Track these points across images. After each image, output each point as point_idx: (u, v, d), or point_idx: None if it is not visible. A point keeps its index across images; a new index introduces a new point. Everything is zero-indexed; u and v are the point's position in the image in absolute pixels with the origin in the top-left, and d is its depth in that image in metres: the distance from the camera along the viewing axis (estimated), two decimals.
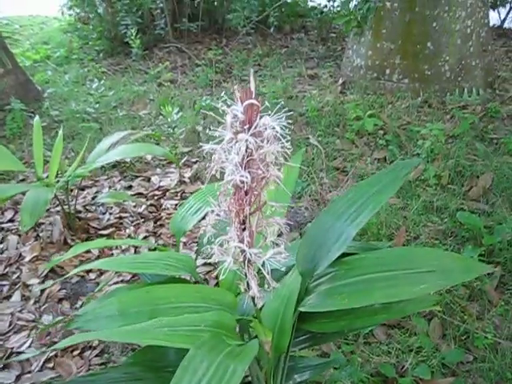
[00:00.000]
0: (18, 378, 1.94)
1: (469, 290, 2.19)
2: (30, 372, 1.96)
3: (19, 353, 2.04)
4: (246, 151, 1.00)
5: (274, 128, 1.00)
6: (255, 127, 1.00)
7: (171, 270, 1.42)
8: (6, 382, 1.90)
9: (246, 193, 1.04)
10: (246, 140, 0.99)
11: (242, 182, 1.01)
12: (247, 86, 1.01)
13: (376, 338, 2.02)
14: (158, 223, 2.87)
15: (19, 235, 2.74)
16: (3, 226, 2.85)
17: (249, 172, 1.01)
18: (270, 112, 1.00)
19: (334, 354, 1.89)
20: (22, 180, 3.31)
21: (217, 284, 2.27)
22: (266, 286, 1.10)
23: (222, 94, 1.08)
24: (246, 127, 0.99)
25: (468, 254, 2.33)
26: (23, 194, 2.49)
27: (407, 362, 1.88)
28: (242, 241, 1.06)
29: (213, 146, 1.03)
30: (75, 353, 2.03)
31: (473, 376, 1.84)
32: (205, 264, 2.44)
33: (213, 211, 1.11)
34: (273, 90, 4.30)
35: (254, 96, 1.00)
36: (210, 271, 2.41)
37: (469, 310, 2.10)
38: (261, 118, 1.01)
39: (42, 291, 2.36)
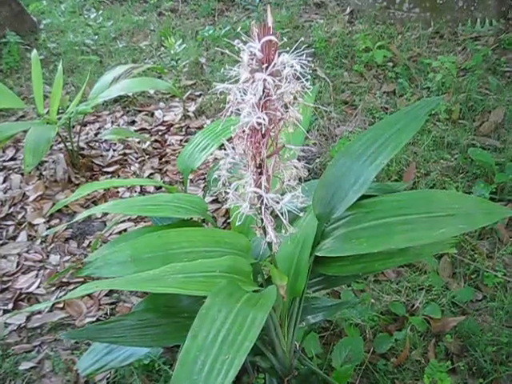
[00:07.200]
0: (29, 318, 1.94)
1: (479, 228, 2.16)
2: (39, 313, 1.96)
3: (28, 293, 2.04)
4: (264, 91, 0.94)
5: (293, 66, 0.94)
6: (273, 66, 0.93)
7: (182, 212, 1.39)
8: (17, 323, 1.91)
9: (263, 135, 0.99)
10: (264, 80, 0.92)
11: (259, 124, 0.95)
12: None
13: (386, 276, 2.02)
14: (164, 160, 2.81)
15: (22, 174, 2.70)
16: (5, 164, 2.81)
17: (266, 113, 0.96)
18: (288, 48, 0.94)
19: (345, 293, 1.89)
20: (22, 116, 3.23)
21: (225, 222, 2.26)
22: (283, 231, 1.07)
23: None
24: (263, 66, 0.92)
25: (479, 191, 2.29)
26: (25, 131, 2.43)
27: (417, 300, 1.88)
28: (258, 186, 1.02)
29: (227, 85, 0.97)
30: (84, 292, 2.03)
31: (483, 314, 1.84)
32: (213, 201, 2.42)
33: (227, 154, 1.06)
34: (278, 19, 4.13)
35: (271, 32, 0.92)
36: (218, 209, 2.38)
37: (479, 248, 2.08)
38: (279, 55, 0.94)
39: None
